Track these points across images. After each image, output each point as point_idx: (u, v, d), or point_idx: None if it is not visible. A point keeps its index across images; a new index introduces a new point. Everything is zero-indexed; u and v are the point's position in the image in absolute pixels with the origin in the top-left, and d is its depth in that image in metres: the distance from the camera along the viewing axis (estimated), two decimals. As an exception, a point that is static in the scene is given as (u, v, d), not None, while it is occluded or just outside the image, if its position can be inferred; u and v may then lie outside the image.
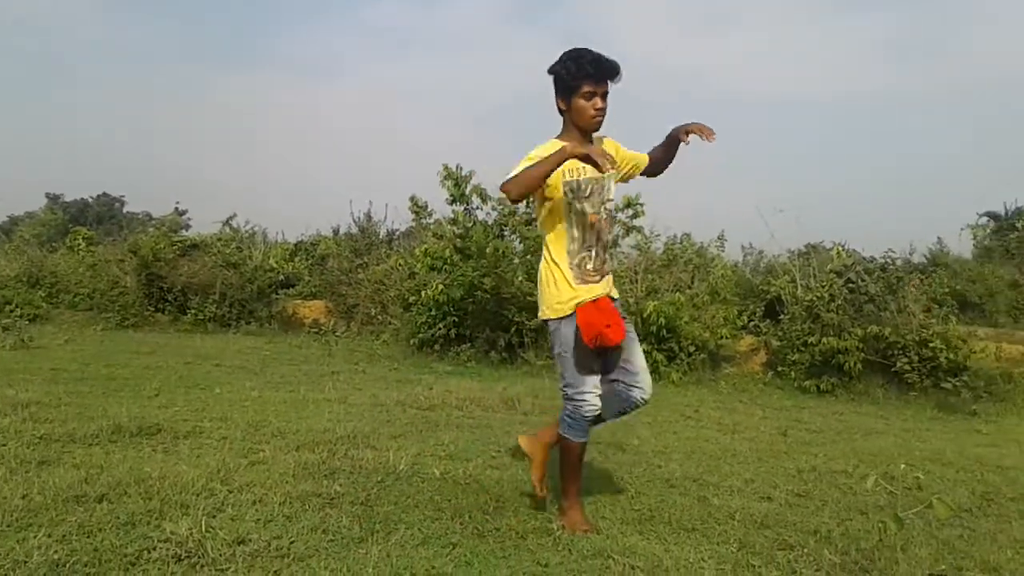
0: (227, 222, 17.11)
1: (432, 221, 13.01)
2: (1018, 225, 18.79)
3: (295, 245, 18.46)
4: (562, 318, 3.52)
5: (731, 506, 4.07)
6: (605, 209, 3.58)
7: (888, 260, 11.26)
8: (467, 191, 11.71)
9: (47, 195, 46.47)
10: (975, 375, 9.47)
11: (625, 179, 3.81)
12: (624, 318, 3.60)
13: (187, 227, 24.37)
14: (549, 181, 3.43)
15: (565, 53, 3.49)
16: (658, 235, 12.75)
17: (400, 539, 3.21)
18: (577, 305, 3.46)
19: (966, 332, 10.13)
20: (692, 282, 11.93)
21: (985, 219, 20.02)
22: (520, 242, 11.72)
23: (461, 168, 11.75)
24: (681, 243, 14.03)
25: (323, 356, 10.93)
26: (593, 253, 3.53)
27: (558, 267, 3.55)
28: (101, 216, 42.45)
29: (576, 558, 3.14)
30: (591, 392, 3.53)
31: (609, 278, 3.64)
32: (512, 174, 3.40)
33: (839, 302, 10.24)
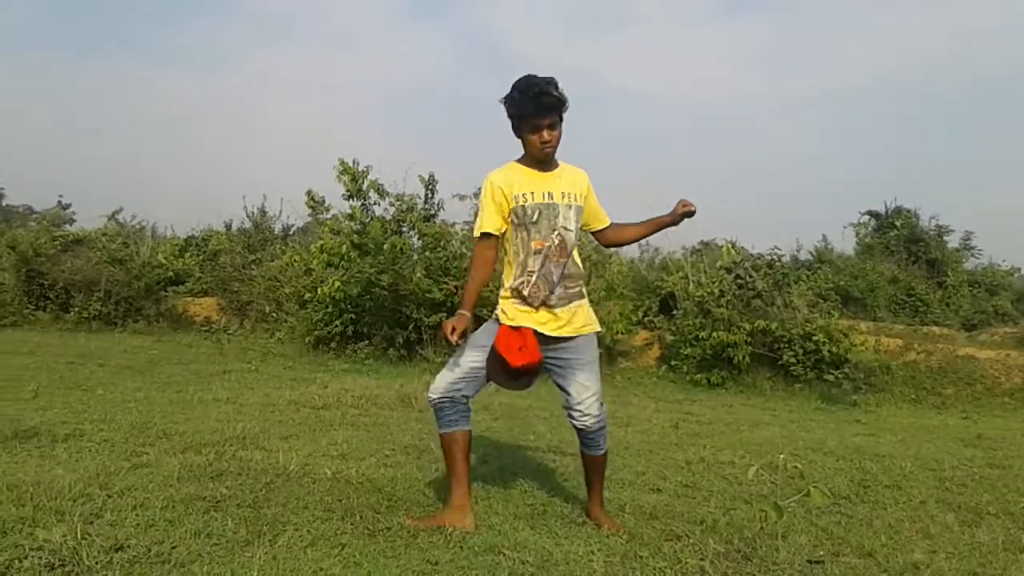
0: (113, 216, 16.54)
1: (329, 216, 12.82)
2: (897, 224, 19.65)
3: (185, 240, 17.93)
4: (496, 320, 3.57)
5: (622, 498, 4.14)
6: (558, 236, 3.53)
7: (775, 257, 11.66)
8: (364, 186, 11.57)
9: (-83, 187, 43.87)
10: (856, 367, 9.92)
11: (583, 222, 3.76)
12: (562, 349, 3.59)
13: (71, 221, 23.43)
14: (503, 207, 3.50)
15: (514, 85, 3.48)
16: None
17: (287, 541, 3.14)
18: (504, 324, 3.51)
19: (848, 326, 10.59)
20: (589, 278, 12.09)
21: (867, 217, 20.82)
22: (418, 238, 11.65)
23: (358, 163, 11.62)
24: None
25: (214, 355, 10.66)
26: (534, 279, 3.49)
27: (503, 287, 3.59)
28: (-23, 209, 40.30)
29: (467, 555, 3.14)
30: (440, 375, 3.55)
31: (558, 311, 3.54)
32: (478, 227, 3.55)
33: (728, 298, 10.56)
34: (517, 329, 3.49)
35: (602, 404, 3.68)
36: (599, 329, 3.72)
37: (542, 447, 5.48)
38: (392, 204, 11.83)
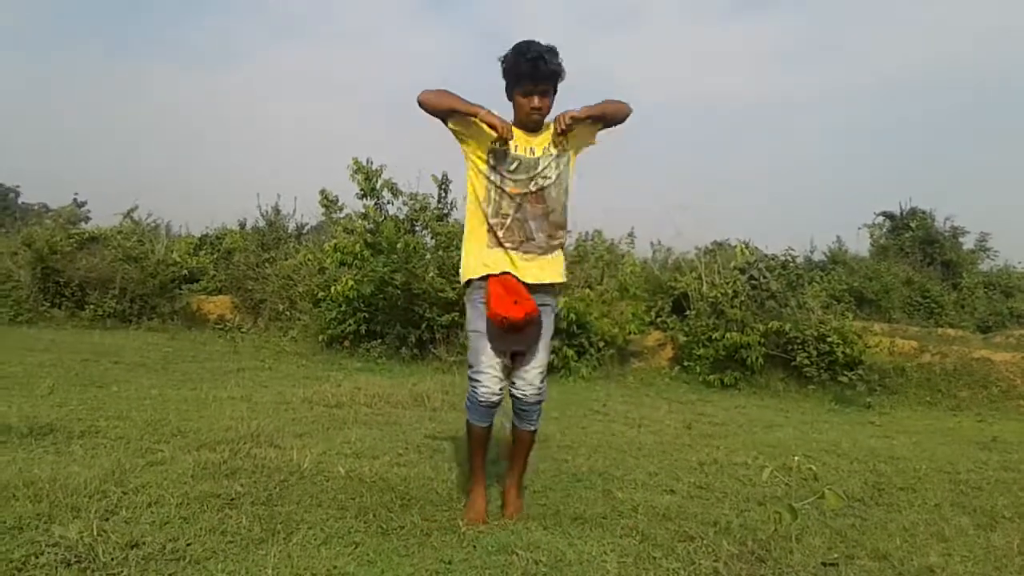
0: (128, 214, 16.58)
1: (343, 215, 12.86)
2: (912, 225, 19.55)
3: (200, 239, 18.01)
4: (472, 281, 3.59)
5: (635, 499, 4.13)
6: (535, 184, 3.53)
7: (789, 258, 11.63)
8: (378, 185, 11.60)
9: (-67, 184, 44.20)
10: (870, 369, 9.86)
11: (577, 149, 3.70)
12: (541, 311, 3.58)
13: (86, 219, 23.50)
14: (470, 141, 3.51)
15: (515, 45, 3.49)
16: (569, 232, 12.85)
17: (301, 539, 3.16)
18: (484, 278, 3.52)
19: (862, 327, 10.54)
20: (602, 278, 12.10)
21: (881, 219, 20.73)
22: (432, 238, 11.68)
23: (372, 162, 11.64)
24: (592, 240, 14.20)
25: (228, 353, 10.70)
26: (508, 222, 3.52)
27: (474, 235, 3.60)
28: (-7, 207, 40.56)
29: (480, 554, 3.14)
30: (487, 375, 3.53)
31: (533, 258, 3.58)
32: (441, 89, 3.47)
33: (742, 298, 10.54)
34: (500, 282, 3.49)
35: (544, 379, 3.66)
36: (562, 280, 3.71)
37: (554, 447, 5.48)
38: (405, 203, 11.87)
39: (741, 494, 4.43)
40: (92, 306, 13.63)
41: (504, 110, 3.56)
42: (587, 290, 10.94)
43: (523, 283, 3.54)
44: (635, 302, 11.48)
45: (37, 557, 2.79)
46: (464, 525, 3.47)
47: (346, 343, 11.06)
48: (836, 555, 3.41)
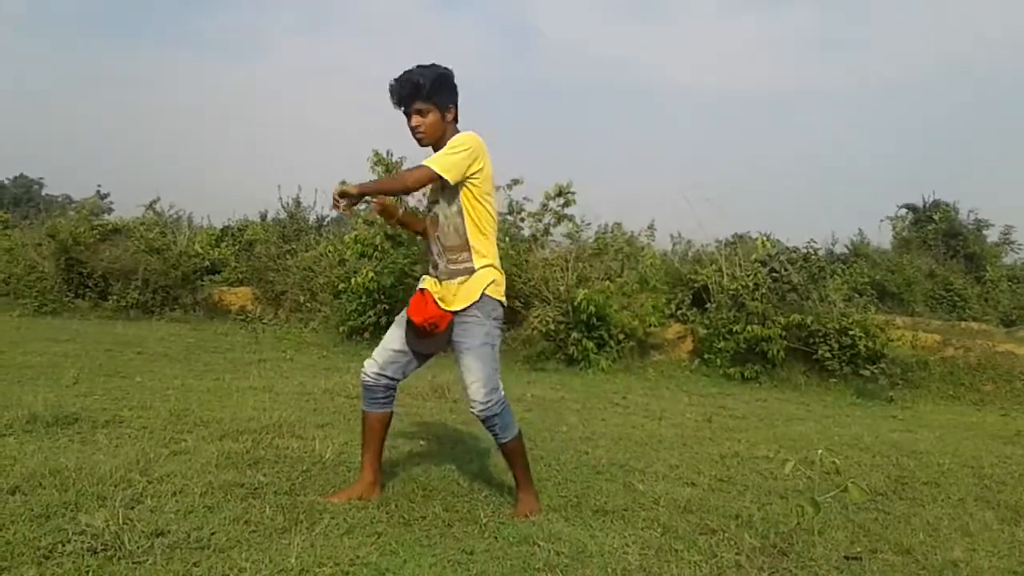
0: (150, 206, 16.72)
1: (363, 208, 12.86)
2: (935, 217, 19.40)
3: (221, 230, 18.13)
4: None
5: (656, 492, 4.12)
6: (433, 212, 3.69)
7: (811, 250, 11.56)
8: (398, 177, 11.59)
9: (-41, 176, 44.70)
10: (892, 362, 9.78)
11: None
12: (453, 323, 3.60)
13: (109, 211, 23.73)
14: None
15: None
16: (589, 224, 12.83)
17: (324, 528, 3.18)
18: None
19: (884, 321, 10.46)
20: (622, 271, 12.07)
21: (904, 211, 20.60)
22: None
23: (391, 153, 11.65)
24: (612, 232, 14.17)
25: (249, 344, 10.77)
26: (424, 252, 3.71)
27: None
28: (18, 198, 41.00)
29: (502, 545, 3.15)
30: (371, 357, 3.69)
31: (446, 284, 3.62)
32: (444, 168, 3.46)
33: (763, 291, 10.47)
34: (422, 291, 3.63)
35: (490, 391, 3.54)
36: (475, 299, 3.57)
37: (575, 438, 5.48)
38: (425, 195, 11.84)
39: (763, 487, 4.41)
40: (115, 297, 13.75)
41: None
42: (607, 282, 10.91)
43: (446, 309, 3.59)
44: (655, 294, 11.45)
45: (64, 545, 2.82)
46: (329, 500, 3.53)
47: (366, 334, 11.09)
48: (859, 549, 3.39)
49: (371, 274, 10.81)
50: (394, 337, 3.67)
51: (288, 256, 14.66)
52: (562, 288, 10.67)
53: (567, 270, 11.08)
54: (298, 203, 16.88)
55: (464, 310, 3.56)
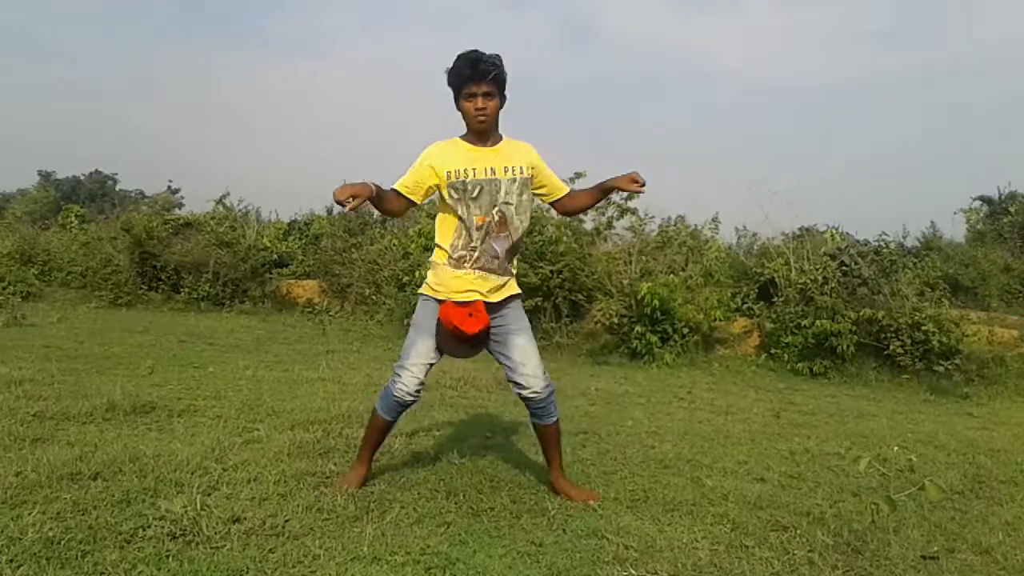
0: (220, 200, 17.04)
1: (426, 202, 12.95)
2: (1011, 209, 18.82)
3: (288, 224, 18.44)
4: (429, 298, 3.62)
5: (724, 487, 4.08)
6: (498, 212, 3.51)
7: (882, 243, 11.31)
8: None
9: (39, 172, 46.22)
10: (967, 358, 9.52)
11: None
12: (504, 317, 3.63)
13: (180, 205, 24.33)
14: (437, 180, 3.51)
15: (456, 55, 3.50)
16: (652, 217, 12.72)
17: (395, 518, 3.22)
18: (444, 301, 3.54)
19: (959, 316, 10.17)
20: (686, 264, 11.94)
21: (978, 203, 20.04)
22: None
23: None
24: (675, 225, 14.04)
25: (317, 336, 10.93)
26: (476, 255, 3.51)
27: (441, 253, 3.60)
28: (93, 194, 42.19)
29: (570, 537, 3.15)
30: (409, 372, 3.58)
31: (495, 279, 3.57)
32: (400, 180, 3.56)
33: (833, 285, 10.27)
34: (452, 305, 3.52)
35: (545, 371, 3.65)
36: (517, 291, 3.70)
37: (641, 432, 5.45)
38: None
39: (834, 484, 4.34)
40: (187, 289, 14.09)
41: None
42: (671, 276, 10.81)
43: (488, 303, 3.56)
44: (720, 288, 11.31)
45: (145, 530, 2.90)
46: (331, 491, 3.51)
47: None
48: (936, 548, 3.31)
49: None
50: (427, 348, 3.58)
51: (353, 249, 14.83)
52: (625, 281, 10.61)
53: (630, 263, 11.01)
54: (363, 197, 17.04)
55: (511, 298, 3.65)
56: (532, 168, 3.61)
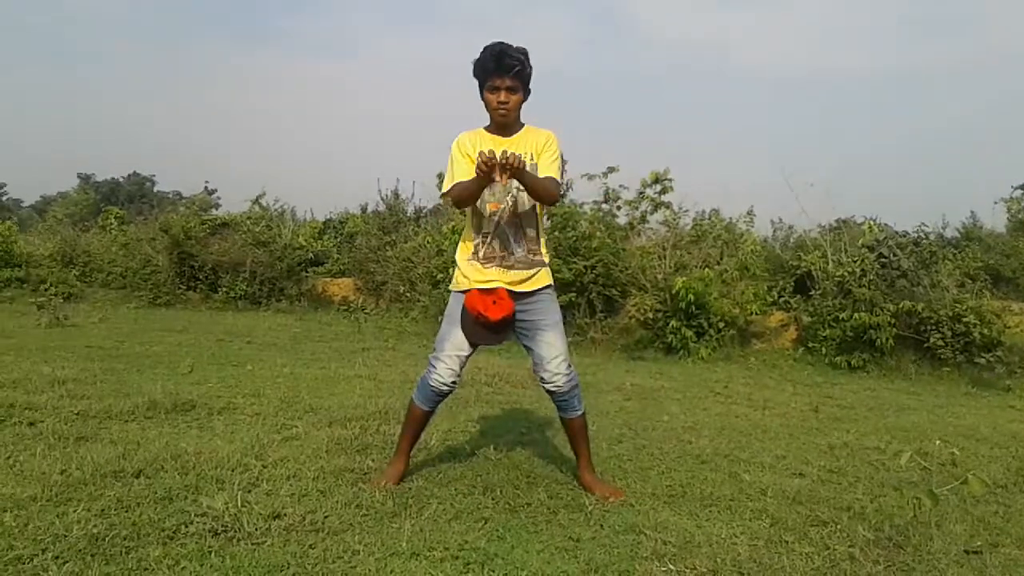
0: (256, 200, 17.19)
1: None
2: (1055, 198, 18.41)
3: (323, 223, 18.56)
4: (456, 292, 3.68)
5: (763, 482, 4.05)
6: (511, 198, 3.54)
7: (921, 234, 11.13)
8: (494, 167, 11.65)
9: (79, 175, 47.08)
10: (1009, 350, 9.36)
11: None
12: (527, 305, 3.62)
13: (217, 206, 24.61)
14: (469, 166, 3.46)
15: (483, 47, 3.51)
16: (686, 211, 12.61)
17: (433, 514, 3.24)
18: (469, 290, 3.58)
19: (1000, 307, 9.99)
20: (721, 258, 11.84)
21: (1020, 192, 19.59)
22: (548, 219, 11.65)
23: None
24: (710, 219, 13.93)
25: (353, 333, 11.00)
26: (489, 240, 3.55)
27: (464, 246, 3.66)
28: (132, 195, 42.76)
29: (608, 533, 3.15)
30: (444, 363, 3.62)
31: (515, 272, 3.58)
32: (446, 183, 3.57)
33: (871, 277, 10.13)
34: (477, 292, 3.55)
35: (570, 365, 3.67)
36: (549, 282, 3.68)
37: (677, 428, 5.43)
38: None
39: (875, 479, 4.29)
40: (224, 289, 14.25)
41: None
42: (706, 270, 10.73)
43: (513, 292, 3.57)
44: (756, 282, 11.20)
45: (187, 526, 2.95)
46: (370, 487, 3.53)
47: (465, 324, 11.19)
48: (979, 543, 3.27)
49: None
50: (460, 340, 3.62)
51: (388, 247, 14.89)
52: (660, 276, 10.56)
53: (664, 258, 10.95)
54: (396, 195, 17.11)
55: (540, 290, 3.64)
56: (539, 155, 3.61)
